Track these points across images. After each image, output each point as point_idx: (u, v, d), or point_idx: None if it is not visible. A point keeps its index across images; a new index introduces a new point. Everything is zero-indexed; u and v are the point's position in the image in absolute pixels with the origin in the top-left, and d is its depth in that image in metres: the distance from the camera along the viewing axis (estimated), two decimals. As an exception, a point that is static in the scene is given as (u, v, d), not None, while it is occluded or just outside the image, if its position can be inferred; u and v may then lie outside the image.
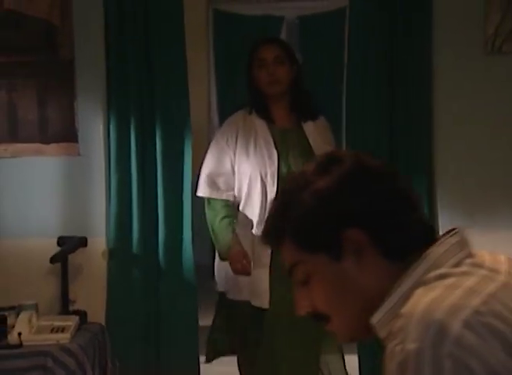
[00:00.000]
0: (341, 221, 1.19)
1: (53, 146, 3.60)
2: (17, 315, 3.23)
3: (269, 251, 3.16)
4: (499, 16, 3.64)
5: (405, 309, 1.11)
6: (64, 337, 3.12)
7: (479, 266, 1.18)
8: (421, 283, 1.16)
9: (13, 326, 3.15)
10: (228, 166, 3.37)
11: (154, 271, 3.61)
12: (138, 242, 3.59)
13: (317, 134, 3.41)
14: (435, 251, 1.19)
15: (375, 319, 1.19)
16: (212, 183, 3.38)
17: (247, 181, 3.33)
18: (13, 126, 3.57)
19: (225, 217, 3.34)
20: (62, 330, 3.15)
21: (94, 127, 3.63)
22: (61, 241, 3.48)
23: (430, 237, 1.23)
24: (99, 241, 3.59)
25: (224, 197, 3.37)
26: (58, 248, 3.45)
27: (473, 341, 1.04)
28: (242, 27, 6.74)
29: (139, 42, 3.63)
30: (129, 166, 3.60)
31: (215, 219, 3.35)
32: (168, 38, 3.67)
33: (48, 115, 3.59)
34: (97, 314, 3.52)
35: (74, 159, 3.62)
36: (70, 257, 3.45)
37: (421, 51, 3.59)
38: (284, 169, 3.30)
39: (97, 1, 3.61)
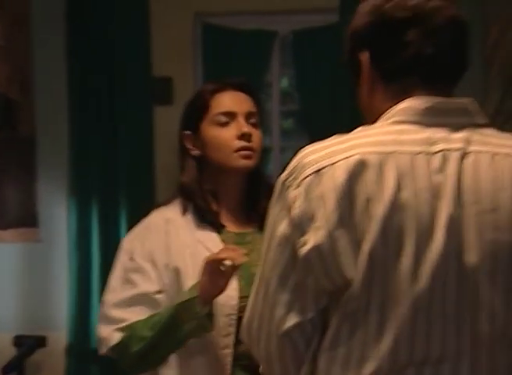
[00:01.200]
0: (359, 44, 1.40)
1: (11, 232, 3.29)
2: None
3: None
4: (499, 95, 3.31)
5: None
6: None
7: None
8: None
9: None
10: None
11: (112, 369, 3.32)
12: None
13: None
14: (412, 101, 1.33)
15: None
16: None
17: None
18: (-32, 210, 3.26)
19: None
20: None
21: (57, 210, 3.33)
22: (17, 340, 3.19)
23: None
24: (60, 336, 3.30)
25: None
26: (14, 349, 3.17)
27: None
28: (233, 42, 6.35)
29: (104, 117, 3.32)
30: (90, 252, 3.30)
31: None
32: (135, 114, 3.37)
33: (5, 197, 3.28)
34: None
35: (34, 246, 3.31)
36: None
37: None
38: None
39: (60, 74, 3.28)
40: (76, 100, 3.30)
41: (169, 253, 1.88)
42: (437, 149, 1.26)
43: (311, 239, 1.21)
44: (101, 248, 3.29)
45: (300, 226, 1.23)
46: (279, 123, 7.00)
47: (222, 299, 1.82)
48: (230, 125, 2.01)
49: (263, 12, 4.21)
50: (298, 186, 1.25)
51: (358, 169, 1.22)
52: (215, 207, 2.04)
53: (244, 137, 1.99)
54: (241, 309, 1.77)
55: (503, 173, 1.26)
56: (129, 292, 1.90)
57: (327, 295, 1.25)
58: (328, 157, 1.25)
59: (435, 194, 1.22)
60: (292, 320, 1.27)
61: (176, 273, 1.86)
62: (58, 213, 3.32)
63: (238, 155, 1.98)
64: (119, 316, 1.90)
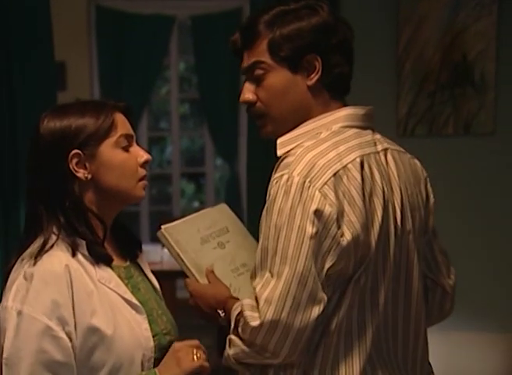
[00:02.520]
0: (309, 47, 1.63)
1: None
2: None
3: None
4: (411, 97, 3.37)
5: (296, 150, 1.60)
6: None
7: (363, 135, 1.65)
8: (321, 129, 1.63)
9: None
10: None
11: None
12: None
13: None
14: (352, 109, 1.67)
15: (281, 139, 1.65)
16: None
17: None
18: None
19: None
20: None
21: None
22: None
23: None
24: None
25: None
26: None
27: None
28: (130, 26, 6.15)
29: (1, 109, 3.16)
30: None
31: None
32: (37, 102, 3.19)
33: None
34: None
35: None
36: None
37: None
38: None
39: None
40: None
41: (79, 308, 1.62)
42: (379, 148, 1.64)
43: (348, 231, 1.52)
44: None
45: (336, 221, 1.51)
46: (177, 108, 6.92)
47: (140, 343, 1.67)
48: (130, 150, 1.78)
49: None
50: (321, 187, 1.51)
51: (361, 170, 1.56)
52: (101, 238, 1.77)
53: (145, 165, 1.80)
54: (155, 349, 1.69)
55: (404, 165, 1.69)
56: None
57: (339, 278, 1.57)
58: (337, 161, 1.54)
59: (388, 184, 1.61)
60: (324, 299, 1.54)
61: (92, 330, 1.62)
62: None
63: (142, 185, 1.79)
64: None
